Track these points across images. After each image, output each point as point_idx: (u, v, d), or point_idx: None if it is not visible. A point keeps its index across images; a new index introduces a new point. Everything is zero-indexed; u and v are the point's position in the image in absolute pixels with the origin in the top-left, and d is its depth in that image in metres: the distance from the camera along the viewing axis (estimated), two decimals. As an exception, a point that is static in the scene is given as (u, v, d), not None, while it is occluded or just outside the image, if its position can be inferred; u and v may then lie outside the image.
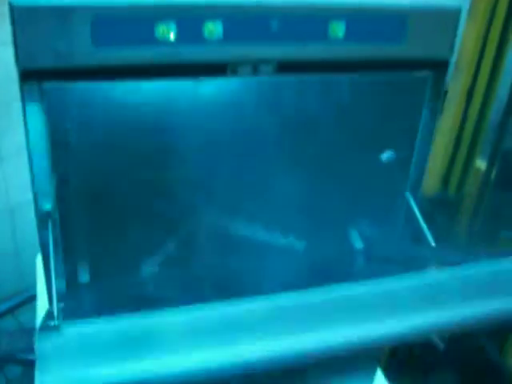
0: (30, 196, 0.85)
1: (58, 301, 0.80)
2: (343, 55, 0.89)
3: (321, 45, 0.87)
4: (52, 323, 0.75)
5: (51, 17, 0.75)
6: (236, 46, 0.84)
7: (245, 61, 0.86)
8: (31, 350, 0.71)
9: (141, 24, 0.80)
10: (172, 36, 0.82)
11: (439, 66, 0.94)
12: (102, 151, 0.86)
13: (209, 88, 0.88)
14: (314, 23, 0.85)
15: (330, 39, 0.87)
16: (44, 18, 0.75)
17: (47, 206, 0.85)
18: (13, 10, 0.74)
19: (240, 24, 0.83)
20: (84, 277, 0.95)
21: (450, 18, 0.92)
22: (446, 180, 1.57)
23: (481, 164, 1.56)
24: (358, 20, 0.87)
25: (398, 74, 0.93)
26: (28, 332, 1.43)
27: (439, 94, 0.95)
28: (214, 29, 0.82)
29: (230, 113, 0.90)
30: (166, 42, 0.82)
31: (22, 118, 0.82)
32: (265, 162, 0.95)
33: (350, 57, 0.89)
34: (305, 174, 0.97)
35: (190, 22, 0.81)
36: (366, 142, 0.98)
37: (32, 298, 1.41)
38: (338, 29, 0.86)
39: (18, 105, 0.81)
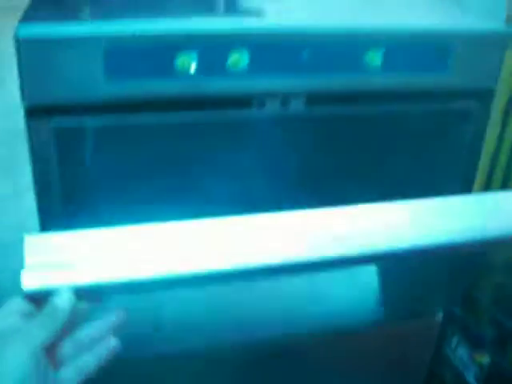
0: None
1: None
2: (380, 86, 0.80)
3: (356, 75, 0.79)
4: None
5: (60, 49, 0.68)
6: (263, 77, 0.77)
7: (272, 94, 0.78)
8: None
9: (159, 55, 0.73)
10: (193, 67, 0.74)
11: (484, 96, 0.85)
12: (117, 196, 0.78)
13: (233, 123, 0.80)
14: (348, 52, 0.77)
15: (366, 69, 0.79)
16: (52, 51, 0.68)
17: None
18: (19, 42, 0.67)
19: (267, 54, 0.75)
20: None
21: (497, 43, 0.83)
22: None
23: (518, 189, 1.47)
24: (396, 48, 0.79)
25: (439, 106, 0.84)
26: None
27: (484, 126, 0.86)
28: (239, 59, 0.75)
29: (257, 151, 0.82)
30: (187, 74, 0.74)
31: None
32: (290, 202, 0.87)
33: (387, 88, 0.81)
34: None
35: (213, 52, 0.74)
36: (406, 180, 0.90)
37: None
38: (375, 58, 0.78)
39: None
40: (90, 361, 0.55)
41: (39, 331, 0.52)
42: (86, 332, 0.56)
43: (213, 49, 0.74)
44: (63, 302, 0.53)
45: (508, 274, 1.37)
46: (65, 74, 0.70)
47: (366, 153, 0.86)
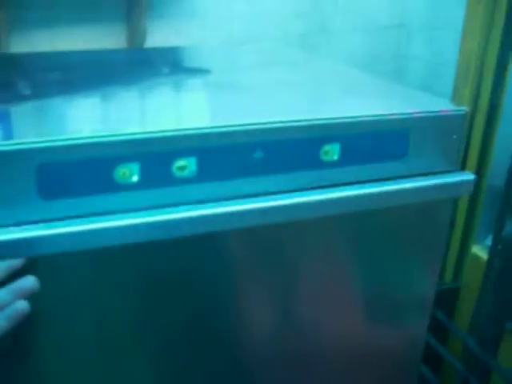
0: None
1: None
2: (339, 180, 0.75)
3: (313, 172, 0.73)
4: None
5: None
6: (212, 183, 0.70)
7: (223, 200, 0.71)
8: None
9: (97, 167, 0.65)
10: (135, 178, 0.67)
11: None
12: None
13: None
14: (304, 148, 0.72)
15: (323, 164, 0.73)
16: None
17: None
18: None
19: (216, 157, 0.69)
20: None
21: (456, 123, 0.80)
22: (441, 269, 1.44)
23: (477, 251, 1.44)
24: (353, 140, 0.74)
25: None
26: None
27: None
28: (185, 166, 0.68)
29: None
30: (128, 186, 0.67)
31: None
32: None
33: (346, 182, 0.75)
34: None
35: (156, 161, 0.67)
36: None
37: None
38: (332, 152, 0.73)
39: None
40: (18, 307, 0.59)
41: None
42: None
43: (156, 157, 0.67)
44: None
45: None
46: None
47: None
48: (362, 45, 2.22)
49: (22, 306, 0.61)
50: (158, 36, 1.61)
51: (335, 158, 0.73)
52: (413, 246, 0.88)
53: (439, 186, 0.81)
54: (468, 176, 0.84)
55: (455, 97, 1.34)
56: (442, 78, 2.34)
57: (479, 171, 1.35)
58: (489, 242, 1.48)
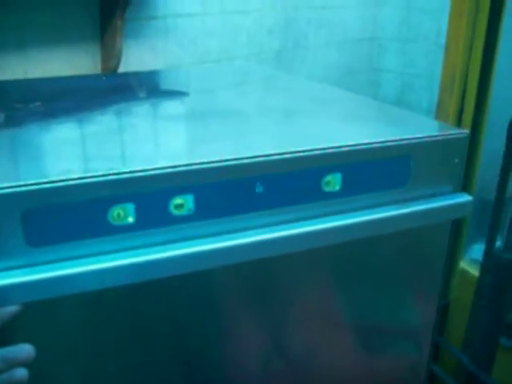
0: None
1: None
2: (341, 209, 0.72)
3: (315, 203, 0.70)
4: None
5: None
6: (211, 220, 0.66)
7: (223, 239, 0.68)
8: None
9: (90, 209, 0.61)
10: (131, 219, 0.63)
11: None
12: None
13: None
14: (306, 179, 0.69)
15: (324, 195, 0.70)
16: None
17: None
18: None
19: (215, 194, 0.65)
20: None
21: (458, 146, 0.78)
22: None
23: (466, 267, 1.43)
24: (355, 168, 0.71)
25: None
26: None
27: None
28: (182, 204, 0.64)
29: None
30: (124, 228, 0.63)
31: None
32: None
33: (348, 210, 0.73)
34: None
35: (152, 200, 0.63)
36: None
37: None
38: (334, 181, 0.70)
39: None
40: (16, 376, 0.55)
41: None
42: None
43: (151, 196, 0.63)
44: None
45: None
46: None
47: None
48: (336, 58, 2.22)
49: (22, 374, 0.56)
50: (134, 56, 1.57)
51: (337, 187, 0.70)
52: (412, 270, 0.86)
53: (440, 208, 0.79)
54: (466, 197, 0.82)
55: (439, 110, 1.33)
56: (415, 90, 2.35)
57: (466, 186, 1.34)
58: (473, 254, 1.47)
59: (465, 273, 1.43)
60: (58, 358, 0.67)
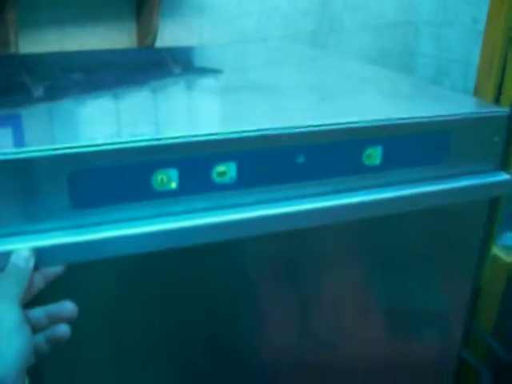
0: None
1: None
2: (380, 183, 0.72)
3: (355, 176, 0.70)
4: None
5: (14, 171, 0.56)
6: (252, 190, 0.67)
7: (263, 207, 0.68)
8: None
9: (133, 173, 0.62)
10: (174, 185, 0.64)
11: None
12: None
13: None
14: (347, 151, 0.69)
15: (364, 168, 0.70)
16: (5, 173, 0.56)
17: None
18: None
19: (257, 163, 0.66)
20: None
21: (499, 124, 0.77)
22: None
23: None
24: (396, 143, 0.71)
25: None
26: None
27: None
28: (225, 171, 0.65)
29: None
30: (166, 193, 0.64)
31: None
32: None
33: (388, 185, 0.72)
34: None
35: (195, 166, 0.64)
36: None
37: None
38: (375, 155, 0.70)
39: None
40: (59, 332, 0.57)
41: (11, 286, 0.54)
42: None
43: (195, 163, 0.63)
44: (23, 260, 0.56)
45: None
46: (23, 203, 0.58)
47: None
48: (371, 42, 2.20)
49: (64, 330, 0.57)
50: (169, 34, 1.58)
51: (377, 161, 0.70)
52: (447, 251, 0.86)
53: (478, 186, 0.79)
54: (505, 176, 0.81)
55: (478, 92, 1.31)
56: (449, 75, 2.31)
57: (504, 166, 1.32)
58: (505, 241, 1.45)
59: (497, 258, 1.41)
60: (93, 320, 0.68)
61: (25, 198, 0.59)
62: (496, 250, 1.44)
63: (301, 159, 0.66)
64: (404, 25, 2.30)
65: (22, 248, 0.57)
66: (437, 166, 0.74)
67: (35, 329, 0.56)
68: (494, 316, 1.35)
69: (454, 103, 0.83)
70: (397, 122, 0.70)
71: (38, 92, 0.85)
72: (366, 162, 0.70)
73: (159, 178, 0.63)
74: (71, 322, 0.58)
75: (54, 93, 0.83)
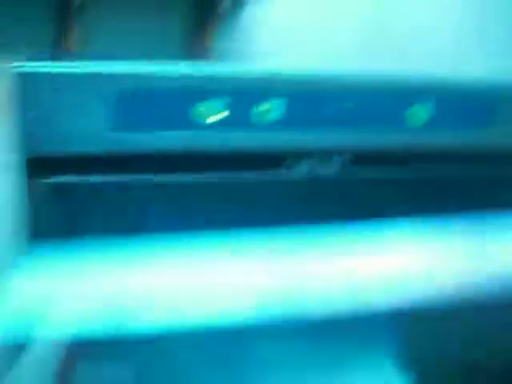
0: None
1: None
2: (424, 146, 0.70)
3: (398, 133, 0.69)
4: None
5: (63, 86, 0.57)
6: (294, 133, 0.66)
7: (303, 152, 0.67)
8: None
9: (175, 102, 0.62)
10: (216, 118, 0.63)
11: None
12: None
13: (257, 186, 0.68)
14: (392, 106, 0.68)
15: (408, 127, 0.69)
16: (55, 87, 0.56)
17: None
18: (19, 77, 0.55)
19: (304, 104, 0.65)
20: None
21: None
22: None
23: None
24: (444, 102, 0.70)
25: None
26: None
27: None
28: (270, 110, 0.64)
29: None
30: (205, 126, 0.63)
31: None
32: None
33: (434, 147, 0.71)
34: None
35: (240, 101, 0.63)
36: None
37: None
38: (420, 113, 0.69)
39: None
40: None
41: None
42: None
43: (240, 96, 0.63)
44: None
45: None
46: (66, 121, 0.59)
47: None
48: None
49: None
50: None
51: (424, 118, 0.69)
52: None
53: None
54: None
55: None
56: None
57: None
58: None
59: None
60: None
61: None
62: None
63: (348, 106, 0.66)
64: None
65: None
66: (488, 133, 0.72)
67: None
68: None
69: None
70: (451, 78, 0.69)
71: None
72: (411, 119, 0.69)
73: (201, 109, 0.62)
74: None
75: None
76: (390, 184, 0.72)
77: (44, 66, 0.57)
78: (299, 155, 0.67)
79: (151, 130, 0.62)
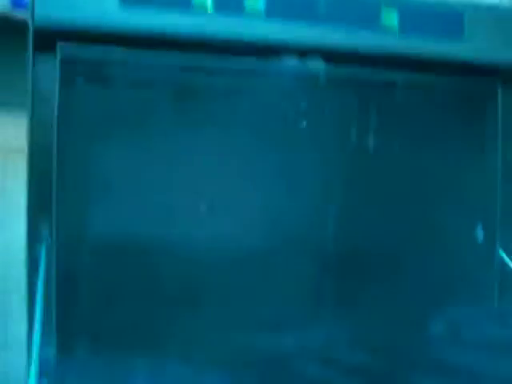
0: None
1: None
2: (397, 49, 0.78)
3: (373, 34, 0.78)
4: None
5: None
6: (277, 23, 0.75)
7: (286, 43, 0.76)
8: None
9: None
10: (209, 5, 0.74)
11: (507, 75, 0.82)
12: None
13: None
14: (366, 9, 0.77)
15: (383, 29, 0.78)
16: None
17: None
18: None
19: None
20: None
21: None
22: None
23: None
24: (412, 10, 0.78)
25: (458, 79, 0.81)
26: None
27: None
28: (255, 3, 0.74)
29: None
30: (203, 11, 0.73)
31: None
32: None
33: (404, 51, 0.78)
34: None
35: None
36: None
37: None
38: (392, 18, 0.78)
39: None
40: None
41: None
42: None
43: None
44: None
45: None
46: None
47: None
48: None
49: None
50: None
51: (395, 23, 0.77)
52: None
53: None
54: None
55: None
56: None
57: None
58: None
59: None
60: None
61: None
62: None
63: (322, 5, 0.75)
64: None
65: None
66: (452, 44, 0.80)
67: None
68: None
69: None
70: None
71: None
72: (385, 23, 0.77)
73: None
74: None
75: None
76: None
77: None
78: (283, 49, 0.76)
79: (153, 11, 0.72)
